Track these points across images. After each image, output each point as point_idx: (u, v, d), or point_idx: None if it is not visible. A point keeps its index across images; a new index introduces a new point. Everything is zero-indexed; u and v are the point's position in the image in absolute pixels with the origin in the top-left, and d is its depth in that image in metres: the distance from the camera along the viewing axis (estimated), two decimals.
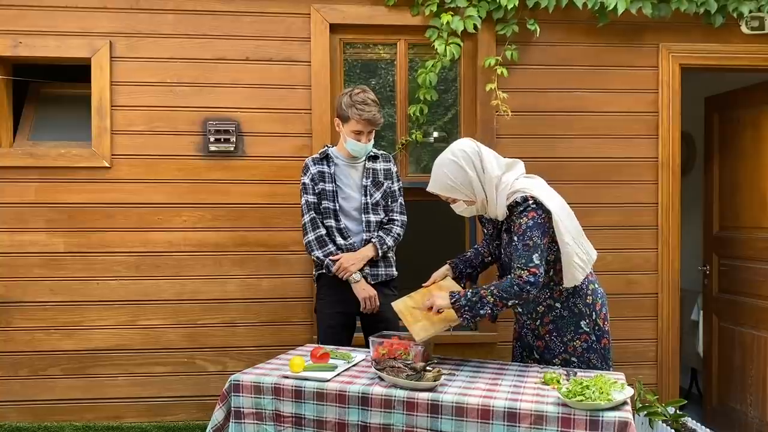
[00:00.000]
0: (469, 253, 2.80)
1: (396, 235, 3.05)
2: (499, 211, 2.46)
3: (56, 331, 3.57)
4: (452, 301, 2.39)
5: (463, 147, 2.49)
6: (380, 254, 2.98)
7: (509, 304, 2.37)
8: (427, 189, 2.55)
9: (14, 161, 3.55)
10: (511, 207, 2.42)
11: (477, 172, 2.45)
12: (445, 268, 2.73)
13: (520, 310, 2.58)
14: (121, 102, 3.59)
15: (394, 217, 3.08)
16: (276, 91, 3.66)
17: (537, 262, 2.33)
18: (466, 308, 2.37)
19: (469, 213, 2.55)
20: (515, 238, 2.38)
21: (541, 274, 2.34)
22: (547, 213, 2.39)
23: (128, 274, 3.60)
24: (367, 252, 2.96)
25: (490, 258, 2.75)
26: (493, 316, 2.45)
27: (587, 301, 2.52)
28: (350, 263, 2.91)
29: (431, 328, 2.45)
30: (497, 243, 2.59)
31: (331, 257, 2.92)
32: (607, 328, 2.56)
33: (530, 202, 2.38)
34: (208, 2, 3.63)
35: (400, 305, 2.60)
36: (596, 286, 2.57)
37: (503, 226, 2.52)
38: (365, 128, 2.91)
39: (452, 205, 2.55)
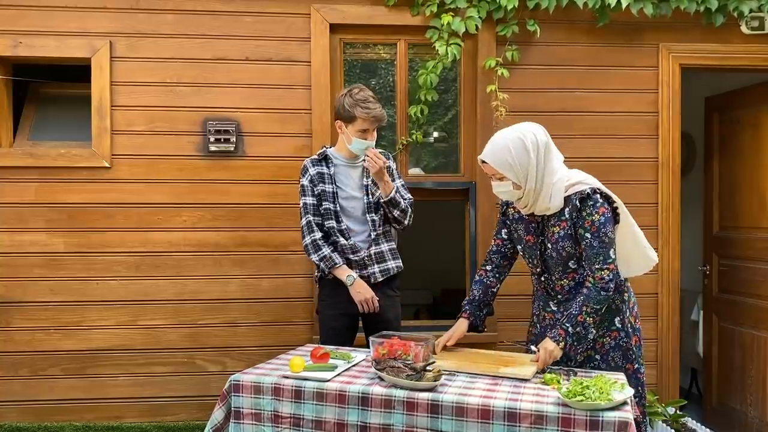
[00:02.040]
0: (475, 293, 2.69)
1: (406, 202, 3.01)
2: (553, 203, 2.41)
3: (56, 331, 3.57)
4: (561, 346, 2.35)
5: (535, 131, 2.42)
6: (397, 199, 2.94)
7: (605, 310, 2.40)
8: (480, 156, 2.44)
9: (14, 161, 3.55)
10: (582, 200, 2.38)
11: (538, 161, 2.38)
12: (464, 325, 2.64)
13: (554, 308, 2.56)
14: (121, 102, 3.59)
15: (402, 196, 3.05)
16: (276, 91, 3.66)
17: (613, 257, 2.38)
18: (575, 343, 2.39)
19: (508, 197, 2.47)
20: (588, 236, 2.37)
21: (617, 267, 2.38)
22: (611, 204, 2.42)
23: (128, 274, 3.60)
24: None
25: (498, 285, 2.72)
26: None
27: (624, 297, 2.52)
28: (369, 293, 2.92)
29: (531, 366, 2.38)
30: (541, 239, 2.51)
31: (347, 277, 2.91)
32: (638, 326, 2.57)
33: (598, 195, 2.39)
34: (208, 2, 3.63)
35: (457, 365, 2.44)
36: (629, 284, 2.58)
37: (550, 221, 2.46)
38: (371, 126, 2.89)
39: (495, 183, 2.44)
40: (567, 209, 2.42)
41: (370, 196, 3.01)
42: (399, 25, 3.71)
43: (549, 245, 2.48)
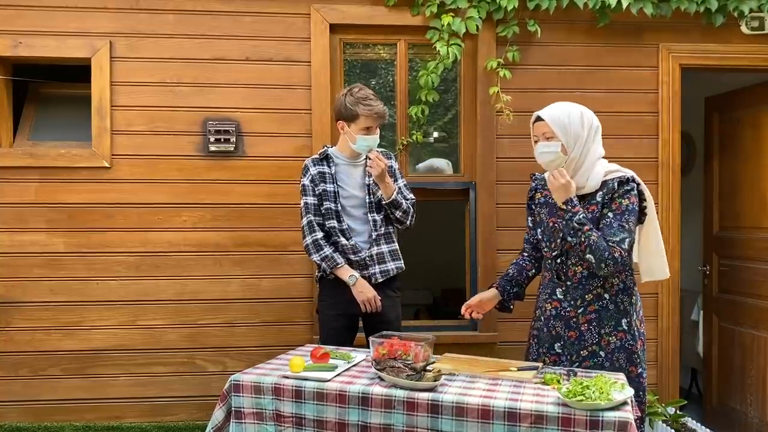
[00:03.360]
0: (510, 271, 2.75)
1: (408, 203, 3.02)
2: (589, 183, 2.46)
3: (56, 331, 3.57)
4: (562, 207, 2.39)
5: (591, 114, 2.52)
6: (399, 201, 2.95)
7: (586, 256, 2.38)
8: (537, 113, 2.50)
9: (14, 161, 3.55)
10: (620, 183, 2.43)
11: (588, 137, 2.46)
12: (493, 294, 2.71)
13: (560, 297, 2.55)
14: (121, 102, 3.59)
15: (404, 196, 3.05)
16: (276, 91, 3.67)
17: (626, 247, 2.39)
18: (565, 222, 2.40)
19: (550, 158, 2.45)
20: (610, 215, 2.41)
21: (625, 259, 2.38)
22: (641, 201, 2.47)
23: (128, 274, 3.60)
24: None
25: (533, 271, 2.75)
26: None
27: (632, 300, 2.52)
28: (371, 292, 2.92)
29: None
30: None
31: (349, 277, 2.90)
32: (643, 330, 2.57)
33: (634, 185, 2.44)
34: (208, 2, 3.63)
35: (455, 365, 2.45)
36: (637, 289, 2.58)
37: (580, 203, 2.47)
38: (374, 123, 2.90)
39: (543, 143, 2.46)
40: (600, 192, 2.46)
41: (372, 196, 3.00)
42: (399, 25, 3.71)
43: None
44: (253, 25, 3.65)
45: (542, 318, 2.63)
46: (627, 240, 2.38)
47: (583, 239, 2.37)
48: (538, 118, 2.49)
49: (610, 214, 2.41)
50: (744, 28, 3.80)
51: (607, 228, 2.40)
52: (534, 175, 2.74)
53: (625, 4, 3.58)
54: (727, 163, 4.33)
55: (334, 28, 3.69)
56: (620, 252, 2.36)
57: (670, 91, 3.82)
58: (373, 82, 4.02)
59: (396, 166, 3.12)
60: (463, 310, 2.70)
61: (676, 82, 3.82)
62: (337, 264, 2.92)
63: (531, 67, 3.78)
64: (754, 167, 4.07)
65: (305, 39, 3.66)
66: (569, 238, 2.41)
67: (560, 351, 2.53)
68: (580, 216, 2.39)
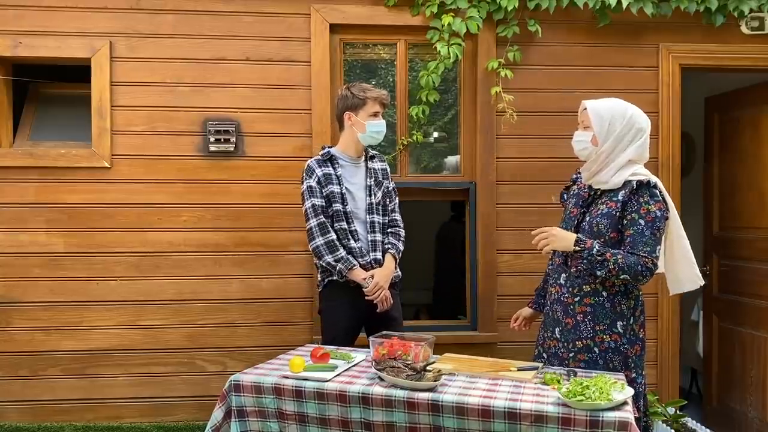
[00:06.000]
0: (540, 282, 2.86)
1: (403, 238, 3.09)
2: (613, 180, 2.47)
3: (56, 331, 3.57)
4: (576, 248, 2.40)
5: (640, 114, 2.53)
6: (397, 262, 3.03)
7: (621, 277, 2.38)
8: (584, 101, 2.59)
9: (14, 161, 3.55)
10: (641, 185, 2.43)
11: (622, 135, 2.47)
12: (526, 310, 2.87)
13: (562, 282, 2.56)
14: (121, 102, 3.59)
15: (396, 218, 3.10)
16: (276, 91, 3.66)
17: (658, 254, 2.40)
18: (585, 261, 2.40)
19: (579, 147, 2.55)
20: (642, 222, 2.40)
21: (657, 266, 2.40)
22: (667, 208, 2.47)
23: (128, 274, 3.60)
24: (392, 266, 2.99)
25: None
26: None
27: (630, 304, 2.51)
28: (385, 281, 2.91)
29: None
30: (584, 211, 2.56)
31: (364, 279, 2.88)
32: (642, 336, 2.55)
33: (657, 191, 2.44)
34: (208, 2, 3.62)
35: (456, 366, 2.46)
36: (639, 293, 2.56)
37: (602, 197, 2.51)
38: (381, 108, 2.97)
39: (579, 132, 2.56)
40: (622, 192, 2.45)
41: (372, 197, 3.00)
42: (399, 25, 3.71)
43: (588, 218, 2.52)
44: (253, 25, 3.65)
45: (549, 302, 2.66)
46: (658, 248, 2.41)
47: (611, 266, 2.37)
48: (585, 107, 2.55)
49: (642, 222, 2.39)
50: (744, 28, 3.80)
51: (639, 236, 2.39)
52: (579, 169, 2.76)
53: (625, 4, 3.58)
54: (727, 163, 4.33)
55: (334, 28, 3.69)
56: (652, 261, 2.37)
57: (670, 91, 3.82)
58: (373, 82, 4.02)
59: (388, 168, 3.14)
60: (512, 323, 2.89)
61: (676, 82, 3.82)
62: (353, 266, 2.89)
63: (531, 67, 3.78)
64: (753, 167, 4.07)
65: (305, 39, 3.66)
66: (598, 272, 2.40)
67: (559, 336, 2.54)
68: (596, 248, 2.39)
